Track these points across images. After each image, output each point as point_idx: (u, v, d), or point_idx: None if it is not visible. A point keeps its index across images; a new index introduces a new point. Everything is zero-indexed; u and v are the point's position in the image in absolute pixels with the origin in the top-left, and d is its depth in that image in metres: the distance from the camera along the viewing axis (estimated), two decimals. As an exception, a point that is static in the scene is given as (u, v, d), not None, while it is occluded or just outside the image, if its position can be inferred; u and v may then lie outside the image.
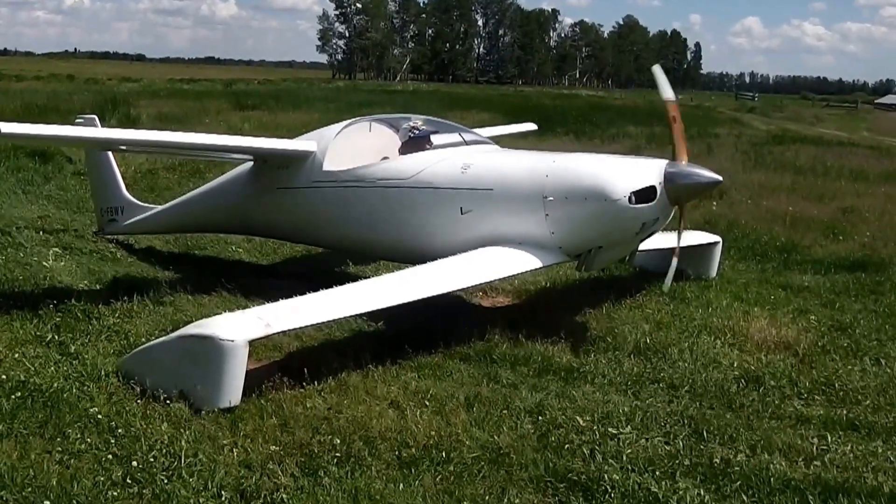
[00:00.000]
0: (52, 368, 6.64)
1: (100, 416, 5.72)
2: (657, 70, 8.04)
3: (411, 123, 9.22)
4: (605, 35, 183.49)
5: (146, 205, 11.44)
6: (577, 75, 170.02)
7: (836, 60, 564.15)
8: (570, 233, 7.77)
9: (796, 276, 11.24)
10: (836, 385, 7.05)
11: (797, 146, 27.85)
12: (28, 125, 8.59)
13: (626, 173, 7.61)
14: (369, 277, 10.39)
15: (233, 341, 5.95)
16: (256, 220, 10.03)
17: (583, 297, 9.52)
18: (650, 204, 7.53)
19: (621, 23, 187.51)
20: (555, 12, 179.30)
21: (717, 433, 5.99)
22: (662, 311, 9.10)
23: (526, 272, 8.16)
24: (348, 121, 9.58)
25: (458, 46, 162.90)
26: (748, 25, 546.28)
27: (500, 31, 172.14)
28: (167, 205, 11.18)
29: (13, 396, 5.95)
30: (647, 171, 7.62)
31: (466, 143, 9.02)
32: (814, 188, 18.09)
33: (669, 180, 7.52)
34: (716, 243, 10.74)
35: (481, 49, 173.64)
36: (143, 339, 7.35)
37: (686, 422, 6.17)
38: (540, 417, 6.10)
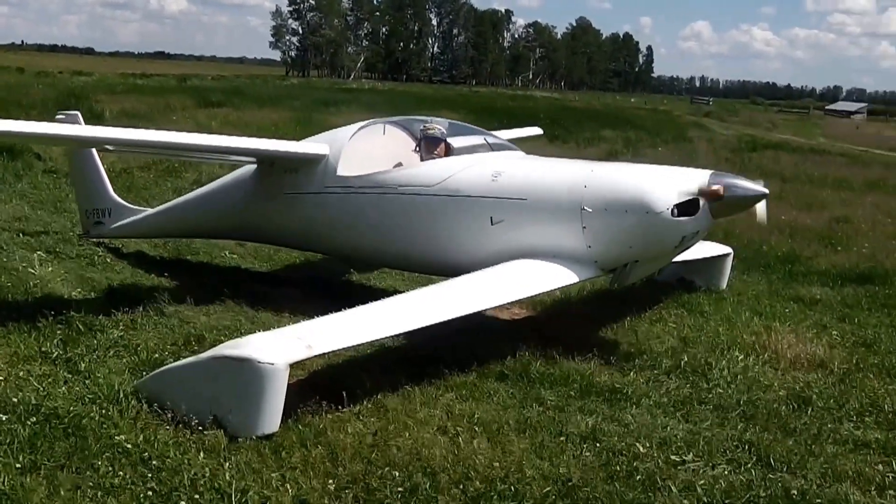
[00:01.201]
0: (64, 389, 6.12)
1: (128, 446, 5.23)
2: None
3: (428, 126, 8.80)
4: (559, 36, 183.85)
5: (136, 207, 10.84)
6: (531, 76, 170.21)
7: (784, 66, 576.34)
8: (608, 246, 7.44)
9: (804, 288, 11.12)
10: (885, 407, 6.87)
11: (773, 153, 28.03)
12: (28, 123, 8.01)
13: (668, 185, 7.31)
14: (376, 284, 10.15)
15: (272, 364, 5.50)
16: (260, 227, 9.52)
17: (600, 310, 9.26)
18: (692, 217, 7.26)
19: (574, 25, 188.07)
20: (508, 13, 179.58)
21: (783, 461, 5.75)
22: (684, 324, 8.90)
23: (561, 287, 7.82)
24: (361, 123, 9.11)
25: (412, 45, 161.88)
26: (698, 30, 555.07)
27: (454, 31, 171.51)
28: (160, 208, 10.61)
29: (29, 422, 5.43)
30: (689, 183, 7.33)
31: (492, 147, 8.61)
32: (801, 196, 18.15)
33: None
34: (727, 255, 10.56)
35: (435, 48, 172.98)
36: (155, 355, 6.91)
37: (747, 448, 5.93)
38: (597, 444, 5.80)
